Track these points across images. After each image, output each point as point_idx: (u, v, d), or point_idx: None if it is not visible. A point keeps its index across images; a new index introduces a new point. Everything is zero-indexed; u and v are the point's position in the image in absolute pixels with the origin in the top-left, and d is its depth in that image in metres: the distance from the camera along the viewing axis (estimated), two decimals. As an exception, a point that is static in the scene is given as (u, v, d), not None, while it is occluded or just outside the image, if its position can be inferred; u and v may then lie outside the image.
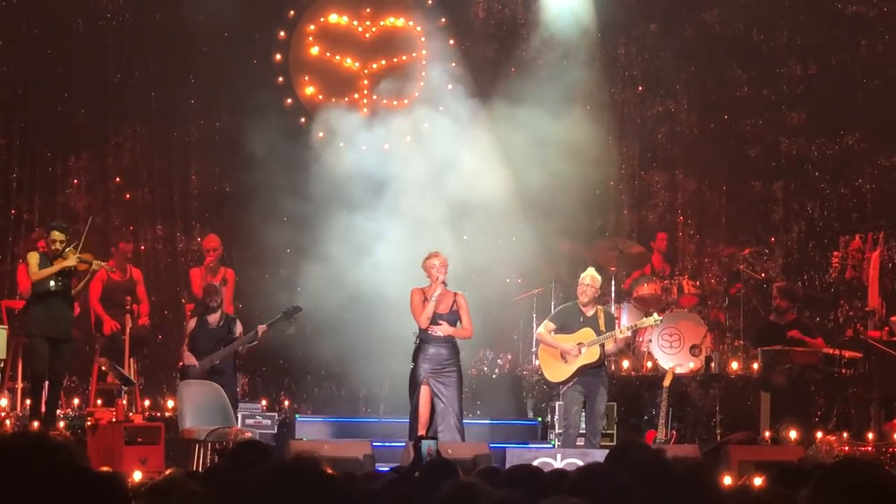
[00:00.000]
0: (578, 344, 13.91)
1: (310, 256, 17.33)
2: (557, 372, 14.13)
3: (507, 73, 18.17)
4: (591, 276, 14.18)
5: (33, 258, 14.75)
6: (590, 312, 14.07)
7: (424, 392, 13.62)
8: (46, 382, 14.68)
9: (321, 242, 17.03)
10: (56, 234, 14.64)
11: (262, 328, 15.11)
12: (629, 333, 14.44)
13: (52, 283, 14.56)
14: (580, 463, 12.18)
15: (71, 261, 14.49)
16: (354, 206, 17.05)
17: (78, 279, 15.18)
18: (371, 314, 16.90)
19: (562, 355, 14.00)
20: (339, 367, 17.88)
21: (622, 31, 19.11)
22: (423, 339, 13.78)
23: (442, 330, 13.68)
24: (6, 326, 15.36)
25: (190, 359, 14.89)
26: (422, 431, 13.35)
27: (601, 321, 13.99)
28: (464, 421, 14.26)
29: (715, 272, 18.64)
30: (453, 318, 13.81)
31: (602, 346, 13.91)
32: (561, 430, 14.54)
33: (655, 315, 14.52)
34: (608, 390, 14.31)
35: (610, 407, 15.43)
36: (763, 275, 18.29)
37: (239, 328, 15.28)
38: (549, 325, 14.24)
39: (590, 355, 13.89)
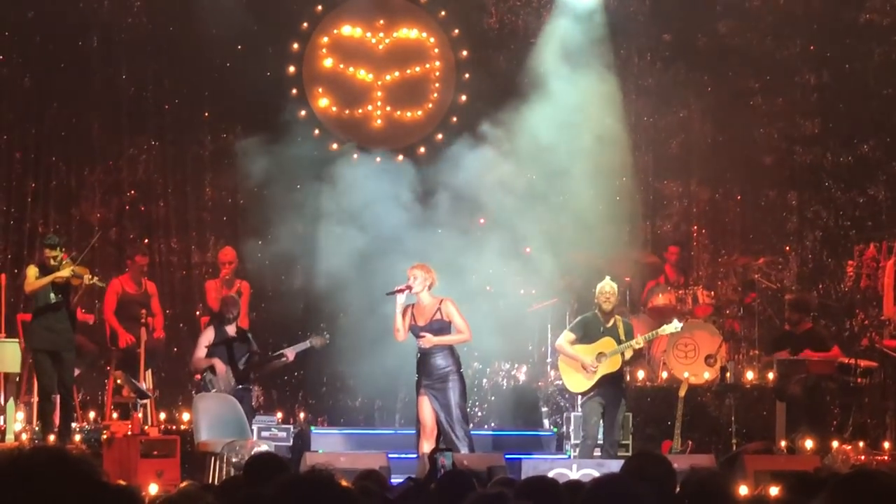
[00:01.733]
0: (599, 354, 13.93)
1: (324, 268, 17.35)
2: (578, 383, 14.14)
3: (520, 83, 18.16)
4: (610, 284, 14.24)
5: (31, 271, 14.84)
6: (609, 322, 14.11)
7: (422, 403, 13.59)
8: (57, 396, 14.75)
9: (335, 255, 17.04)
10: (48, 251, 14.67)
11: (289, 352, 15.28)
12: (649, 342, 14.45)
13: (51, 296, 14.61)
14: (596, 474, 12.17)
15: (65, 272, 14.52)
16: (367, 218, 17.05)
17: (75, 293, 15.24)
18: (385, 326, 16.89)
19: (582, 366, 14.01)
20: (354, 378, 17.89)
21: (635, 42, 19.10)
22: (419, 350, 13.75)
23: (425, 342, 13.58)
24: (20, 340, 15.40)
25: (220, 364, 14.93)
26: (428, 441, 13.33)
27: (620, 330, 14.05)
28: (479, 432, 14.25)
29: (730, 282, 18.61)
30: (437, 326, 13.64)
31: (622, 354, 13.95)
32: (578, 441, 14.54)
33: (676, 322, 14.51)
34: (626, 401, 14.36)
35: (625, 417, 15.43)
36: (778, 284, 18.28)
37: (252, 341, 15.40)
38: (569, 335, 14.25)
39: (611, 364, 13.92)
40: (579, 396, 14.33)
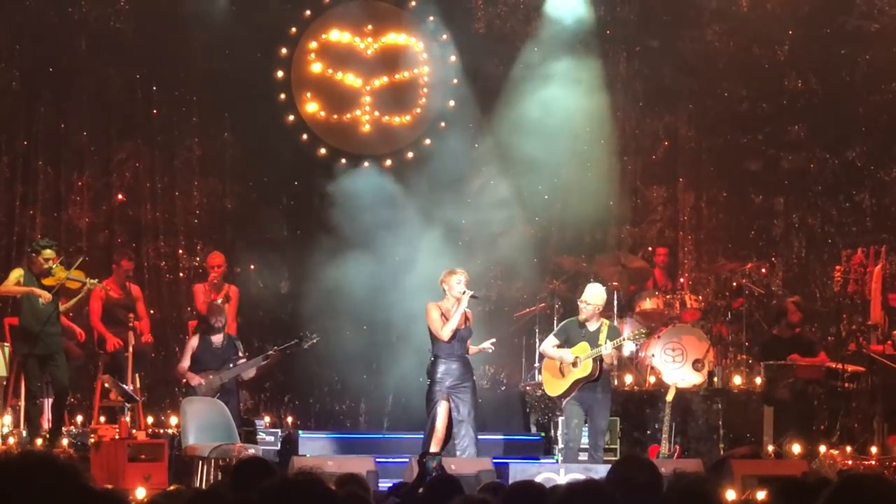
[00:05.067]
0: (574, 359, 13.90)
1: (310, 272, 17.37)
2: (555, 386, 14.15)
3: (508, 88, 18.18)
4: (592, 293, 14.16)
5: (14, 273, 14.86)
6: (593, 326, 14.06)
7: (444, 408, 13.62)
8: (48, 400, 14.78)
9: (321, 258, 17.06)
10: (48, 253, 14.68)
11: (275, 352, 15.25)
12: (613, 350, 14.17)
13: (40, 301, 14.61)
14: (583, 478, 12.18)
15: (59, 276, 14.55)
16: (356, 222, 17.07)
17: (67, 297, 15.23)
18: (373, 330, 16.91)
19: (560, 369, 14.01)
20: (341, 382, 17.91)
21: (623, 47, 19.13)
22: (439, 355, 13.77)
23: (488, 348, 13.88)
24: (8, 344, 15.38)
25: (195, 378, 14.92)
26: (437, 448, 13.33)
27: (602, 336, 13.96)
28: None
29: (713, 287, 18.60)
30: (467, 333, 13.87)
31: (598, 360, 13.86)
32: (563, 445, 14.54)
33: (641, 329, 14.56)
34: (610, 405, 14.27)
35: (613, 422, 15.44)
36: (764, 290, 18.29)
37: (241, 347, 15.38)
38: (552, 340, 14.24)
39: (583, 370, 13.85)
40: (561, 400, 14.29)
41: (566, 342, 14.08)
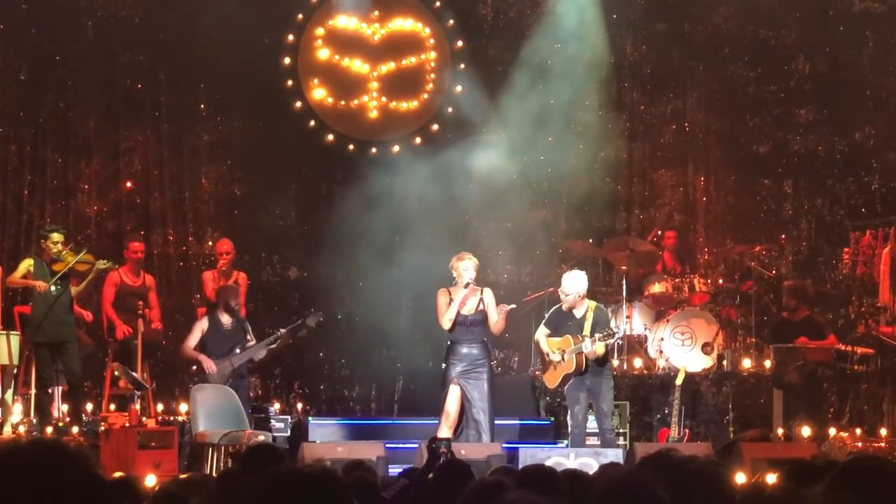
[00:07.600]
0: (561, 351, 13.71)
1: (320, 258, 17.37)
2: (550, 378, 14.03)
3: (515, 73, 18.17)
4: (568, 282, 13.89)
5: (24, 264, 14.89)
6: (579, 312, 13.82)
7: (454, 392, 13.58)
8: (58, 388, 14.83)
9: (330, 244, 17.06)
10: (56, 236, 14.72)
11: (283, 332, 15.16)
12: (592, 347, 13.81)
13: (52, 288, 14.66)
14: (594, 462, 12.19)
15: (67, 260, 14.63)
16: (364, 207, 17.07)
17: (78, 280, 15.24)
18: (383, 315, 16.90)
19: (550, 361, 13.88)
20: (350, 368, 17.92)
21: (630, 31, 19.10)
22: (454, 339, 13.73)
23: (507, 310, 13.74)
24: (19, 333, 15.41)
25: (207, 361, 14.81)
26: (450, 432, 13.30)
27: (588, 323, 13.69)
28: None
29: (722, 270, 18.59)
30: (480, 317, 13.72)
31: (578, 356, 13.62)
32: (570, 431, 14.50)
33: (613, 328, 14.22)
34: (608, 388, 13.83)
35: (622, 406, 15.42)
36: (773, 272, 18.29)
37: (249, 330, 15.30)
38: (543, 329, 14.06)
39: (567, 365, 13.67)
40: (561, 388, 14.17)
41: (556, 331, 13.87)
